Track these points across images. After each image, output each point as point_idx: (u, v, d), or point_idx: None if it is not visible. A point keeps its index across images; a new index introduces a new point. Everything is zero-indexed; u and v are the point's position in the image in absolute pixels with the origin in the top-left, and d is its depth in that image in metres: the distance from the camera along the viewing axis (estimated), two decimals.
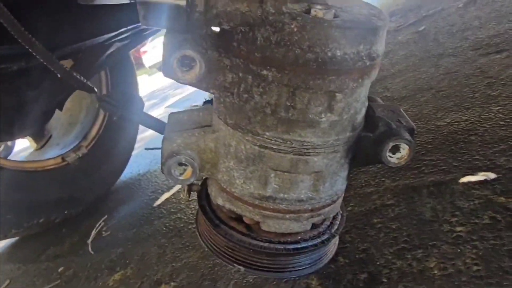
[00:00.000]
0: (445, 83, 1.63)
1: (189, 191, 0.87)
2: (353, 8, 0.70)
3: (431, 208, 0.92)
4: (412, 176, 1.07)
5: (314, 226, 0.82)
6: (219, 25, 0.64)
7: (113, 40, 1.92)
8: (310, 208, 0.76)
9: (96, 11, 1.51)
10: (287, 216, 0.76)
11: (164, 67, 0.67)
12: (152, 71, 15.30)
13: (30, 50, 0.87)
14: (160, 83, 9.98)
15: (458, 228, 0.83)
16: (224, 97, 0.72)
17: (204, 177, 0.86)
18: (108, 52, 2.03)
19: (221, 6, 0.62)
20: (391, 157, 0.75)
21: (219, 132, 0.75)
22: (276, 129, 0.68)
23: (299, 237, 0.81)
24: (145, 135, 3.62)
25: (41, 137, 2.58)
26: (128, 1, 1.27)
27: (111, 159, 2.48)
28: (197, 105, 3.82)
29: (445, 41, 2.32)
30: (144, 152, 2.98)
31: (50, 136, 2.62)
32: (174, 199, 1.78)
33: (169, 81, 9.85)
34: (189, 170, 0.75)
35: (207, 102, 3.17)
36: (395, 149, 0.74)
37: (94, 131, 2.45)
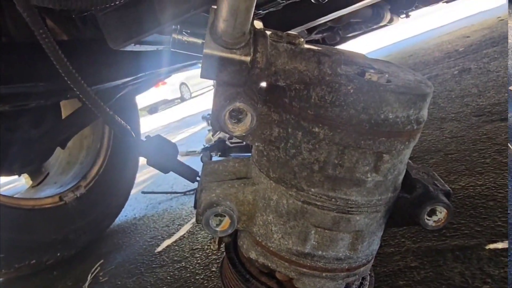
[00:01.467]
0: (452, 147, 1.68)
1: (220, 242, 0.85)
2: (399, 73, 0.73)
3: (460, 273, 0.91)
4: (434, 239, 1.07)
5: (347, 285, 0.81)
6: (275, 81, 0.66)
7: (127, 84, 1.95)
8: (347, 267, 0.75)
9: (119, 56, 1.54)
10: (324, 274, 0.75)
11: (215, 119, 0.68)
12: (142, 113, 15.38)
13: (79, 93, 0.88)
14: (150, 125, 9.93)
15: None
16: (269, 150, 0.73)
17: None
18: (118, 95, 2.05)
19: (280, 64, 0.65)
20: (428, 219, 0.75)
21: (259, 185, 0.75)
22: (322, 186, 0.69)
23: None
24: (140, 179, 3.57)
25: (38, 174, 2.53)
26: (156, 48, 1.29)
27: (108, 201, 2.43)
28: (194, 151, 3.78)
29: (446, 106, 2.40)
30: (139, 196, 2.92)
31: (47, 174, 2.57)
32: (176, 246, 1.73)
33: (159, 124, 9.88)
34: (226, 221, 0.74)
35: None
36: (431, 212, 0.75)
37: (94, 171, 2.42)
